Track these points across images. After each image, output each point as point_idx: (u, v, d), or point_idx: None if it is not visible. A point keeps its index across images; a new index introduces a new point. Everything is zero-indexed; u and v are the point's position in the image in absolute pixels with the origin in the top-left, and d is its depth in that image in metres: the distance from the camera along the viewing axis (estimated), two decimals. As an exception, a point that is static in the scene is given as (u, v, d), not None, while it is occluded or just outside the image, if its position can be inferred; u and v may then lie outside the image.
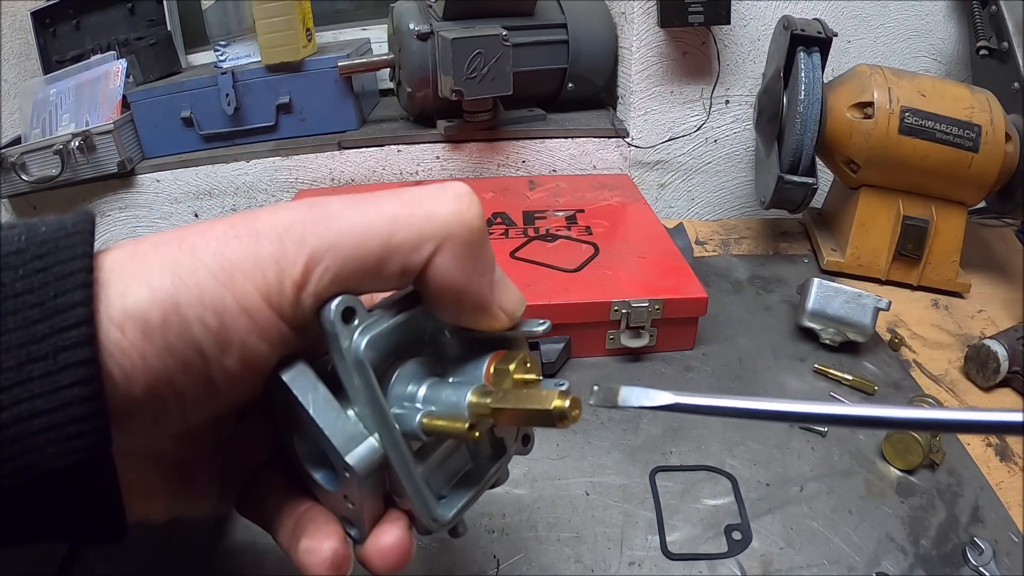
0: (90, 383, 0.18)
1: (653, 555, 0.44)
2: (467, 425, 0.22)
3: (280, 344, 0.21)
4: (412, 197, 0.23)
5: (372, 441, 0.23)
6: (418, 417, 0.23)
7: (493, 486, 0.28)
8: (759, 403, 0.21)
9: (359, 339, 0.22)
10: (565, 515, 0.46)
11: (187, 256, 0.20)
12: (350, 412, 0.23)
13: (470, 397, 0.23)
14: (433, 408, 0.24)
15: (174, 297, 0.19)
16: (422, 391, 0.24)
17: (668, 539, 0.44)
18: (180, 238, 0.20)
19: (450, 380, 0.26)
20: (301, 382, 0.23)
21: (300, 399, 0.22)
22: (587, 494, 0.48)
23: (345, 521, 0.25)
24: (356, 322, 0.22)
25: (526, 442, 0.29)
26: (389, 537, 0.24)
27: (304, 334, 0.22)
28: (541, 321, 0.26)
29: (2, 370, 0.17)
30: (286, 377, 0.22)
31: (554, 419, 0.22)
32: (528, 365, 0.25)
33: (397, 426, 0.23)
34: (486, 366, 0.25)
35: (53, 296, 0.18)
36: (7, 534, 0.19)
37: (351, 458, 0.22)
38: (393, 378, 0.25)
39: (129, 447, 0.20)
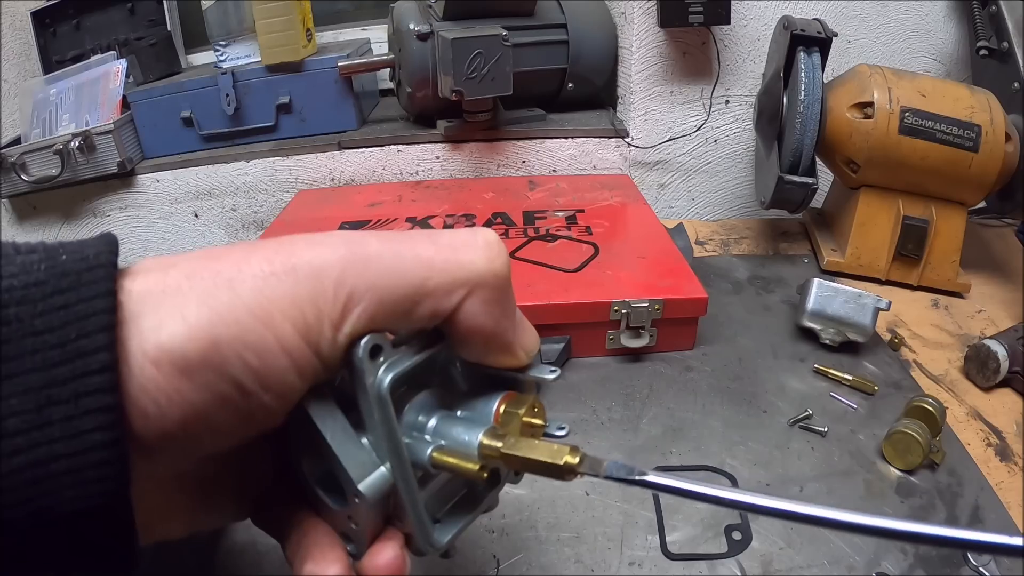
0: (112, 429, 0.18)
1: (653, 555, 0.43)
2: (478, 467, 0.23)
3: (312, 378, 0.22)
4: (446, 242, 0.23)
5: (383, 470, 0.24)
6: (428, 451, 0.24)
7: (484, 512, 0.29)
8: (735, 495, 0.21)
9: (383, 375, 0.23)
10: (565, 515, 0.46)
11: (224, 292, 0.20)
12: (364, 440, 0.24)
13: (482, 439, 0.24)
14: (443, 442, 0.25)
15: (213, 335, 0.19)
16: (432, 423, 0.25)
17: (668, 539, 0.44)
18: (215, 271, 0.20)
19: (459, 414, 0.26)
20: (320, 408, 0.23)
21: (319, 426, 0.23)
22: (587, 494, 0.48)
23: (344, 536, 0.25)
24: (381, 359, 0.23)
25: (518, 473, 0.30)
26: (385, 556, 0.24)
27: (331, 366, 0.22)
28: (552, 368, 0.27)
29: (21, 412, 0.17)
30: (308, 407, 0.23)
31: (563, 473, 0.23)
32: (536, 410, 0.26)
33: (408, 456, 0.24)
34: (496, 406, 0.26)
35: (75, 338, 0.17)
36: (20, 571, 0.19)
37: (363, 486, 0.23)
38: (405, 407, 0.25)
39: (154, 472, 0.20)
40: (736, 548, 0.44)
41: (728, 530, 0.45)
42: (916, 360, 0.64)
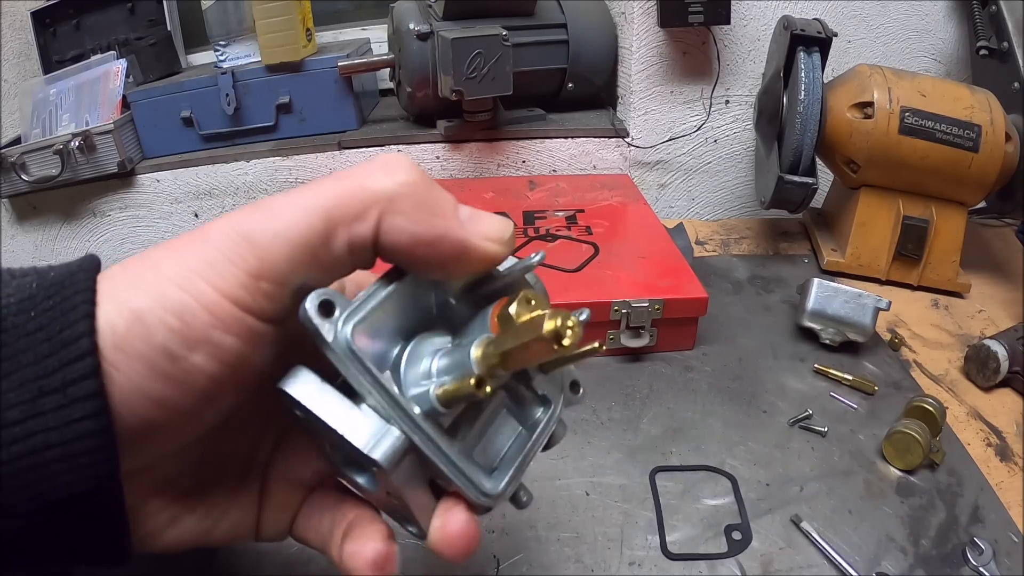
0: (99, 416, 0.19)
1: (653, 555, 0.43)
2: (474, 381, 0.21)
3: (250, 336, 0.21)
4: (345, 173, 0.23)
5: (393, 430, 0.22)
6: (432, 389, 0.22)
7: (548, 446, 0.26)
8: None
9: (343, 328, 0.21)
10: (565, 515, 0.46)
11: (150, 271, 0.21)
12: (364, 406, 0.22)
13: (474, 351, 0.22)
14: (446, 377, 0.23)
15: (135, 308, 0.20)
16: (435, 364, 0.23)
17: (668, 539, 0.44)
18: (145, 257, 0.22)
19: (458, 343, 0.24)
20: (305, 389, 0.22)
21: (310, 407, 0.22)
22: (587, 494, 0.48)
23: (403, 520, 0.24)
24: (336, 313, 0.21)
25: (575, 388, 0.27)
26: (452, 525, 0.23)
27: (281, 325, 0.22)
28: (535, 252, 0.24)
29: (18, 404, 0.18)
30: (288, 388, 0.22)
31: (554, 342, 0.20)
32: (532, 303, 0.22)
33: (416, 408, 0.22)
34: (490, 317, 0.23)
35: (59, 330, 0.19)
36: (20, 557, 0.20)
37: (375, 453, 0.21)
38: (404, 359, 0.23)
39: (127, 469, 0.20)
40: (736, 548, 0.44)
41: (728, 530, 0.45)
42: (916, 360, 0.64)
